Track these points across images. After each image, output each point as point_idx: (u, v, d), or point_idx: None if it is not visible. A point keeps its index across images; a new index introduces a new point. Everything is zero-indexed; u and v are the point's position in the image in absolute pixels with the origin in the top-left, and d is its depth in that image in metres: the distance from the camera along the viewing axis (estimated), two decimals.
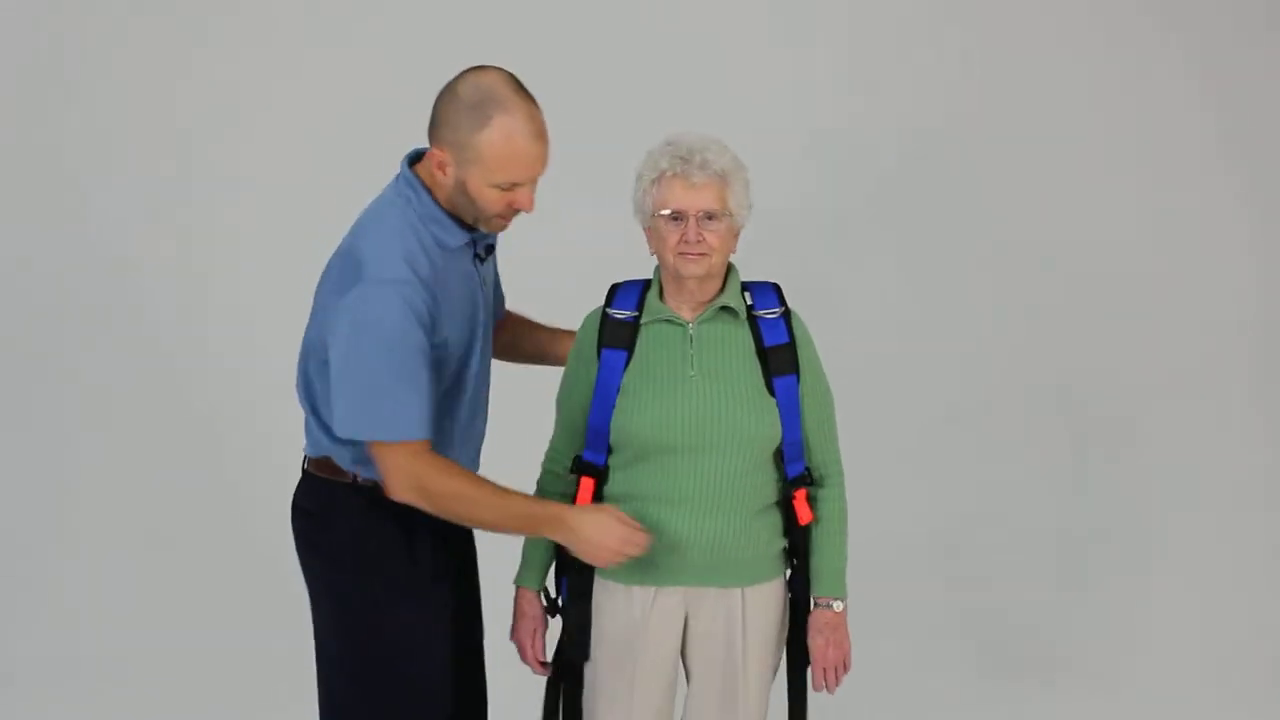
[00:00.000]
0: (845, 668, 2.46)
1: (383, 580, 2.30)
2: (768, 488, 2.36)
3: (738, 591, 2.37)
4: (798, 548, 2.41)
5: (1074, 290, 3.96)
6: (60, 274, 3.94)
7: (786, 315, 2.38)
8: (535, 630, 2.44)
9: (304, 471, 2.40)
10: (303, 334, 2.34)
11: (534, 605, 2.45)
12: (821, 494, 2.42)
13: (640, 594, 2.35)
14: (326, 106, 3.89)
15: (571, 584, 2.40)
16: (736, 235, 2.35)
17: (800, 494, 2.38)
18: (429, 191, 2.23)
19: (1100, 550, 3.98)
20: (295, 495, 2.41)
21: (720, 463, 2.30)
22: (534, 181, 2.23)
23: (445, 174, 2.19)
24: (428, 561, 2.33)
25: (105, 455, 3.99)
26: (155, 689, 3.77)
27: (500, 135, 2.14)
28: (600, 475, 2.36)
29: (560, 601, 2.45)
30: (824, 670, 2.43)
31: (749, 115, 3.55)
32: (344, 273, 2.19)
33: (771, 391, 2.33)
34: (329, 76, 3.89)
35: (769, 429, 2.32)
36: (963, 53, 3.97)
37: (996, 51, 3.97)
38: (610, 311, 2.39)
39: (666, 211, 2.26)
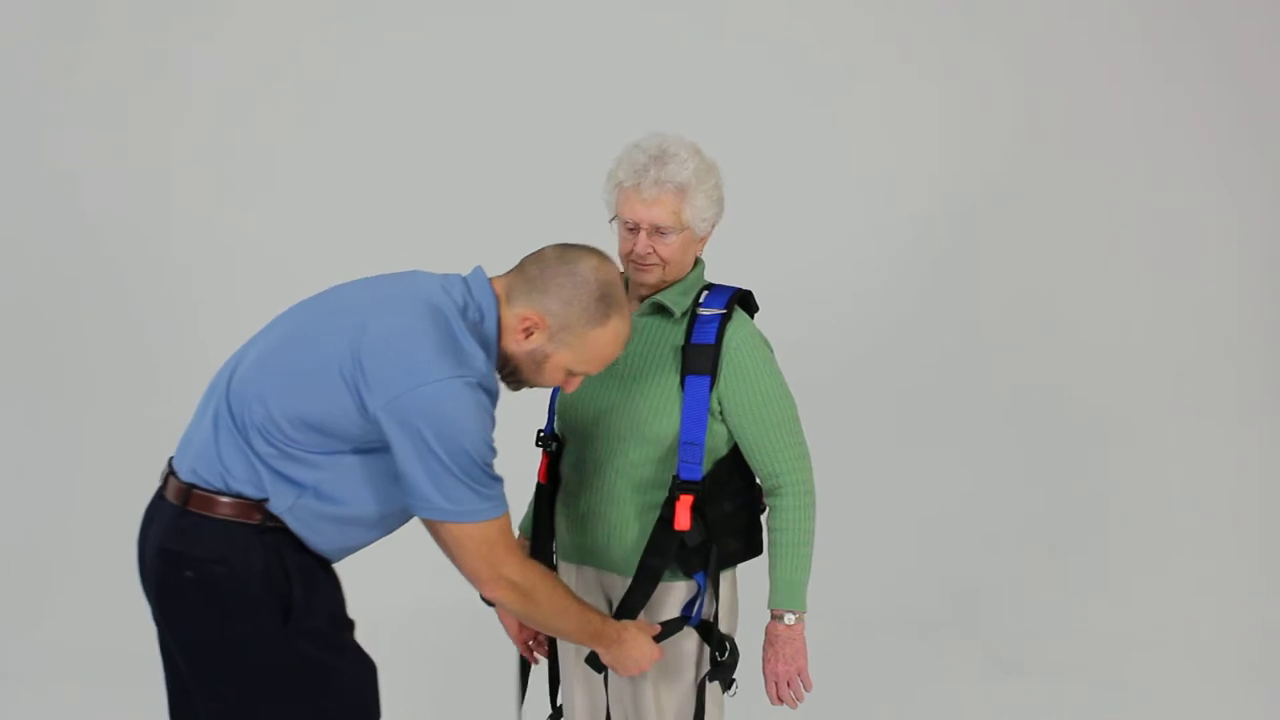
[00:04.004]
0: (805, 685, 2.37)
1: (317, 613, 2.11)
2: (664, 486, 2.33)
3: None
4: (660, 551, 2.29)
5: (1069, 291, 3.98)
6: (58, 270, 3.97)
7: (725, 318, 2.31)
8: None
9: (201, 516, 2.06)
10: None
11: None
12: (775, 504, 2.35)
13: (564, 569, 2.48)
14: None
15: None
16: (700, 242, 2.36)
17: (685, 499, 2.28)
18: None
19: (1097, 550, 3.99)
20: (182, 545, 2.07)
21: (619, 453, 2.33)
22: None
23: (527, 338, 2.10)
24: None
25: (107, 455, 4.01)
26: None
27: (611, 336, 2.12)
28: (554, 450, 2.44)
29: None
30: (774, 684, 2.36)
31: None
32: (435, 343, 2.00)
33: (681, 389, 2.31)
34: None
35: (665, 427, 2.31)
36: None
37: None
38: None
39: (624, 219, 2.30)
